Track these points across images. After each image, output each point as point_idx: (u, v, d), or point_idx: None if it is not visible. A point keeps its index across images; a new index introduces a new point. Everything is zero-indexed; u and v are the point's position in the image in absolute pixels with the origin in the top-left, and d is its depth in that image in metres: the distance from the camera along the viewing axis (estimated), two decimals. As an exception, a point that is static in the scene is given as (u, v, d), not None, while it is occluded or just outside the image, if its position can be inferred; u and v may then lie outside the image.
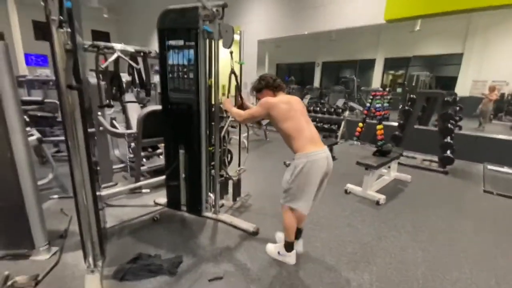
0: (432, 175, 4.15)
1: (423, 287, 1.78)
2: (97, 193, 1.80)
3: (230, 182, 2.82)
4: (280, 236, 2.15)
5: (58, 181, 3.21)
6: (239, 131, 2.95)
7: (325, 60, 14.55)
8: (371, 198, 3.11)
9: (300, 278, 1.82)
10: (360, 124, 5.97)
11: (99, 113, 2.78)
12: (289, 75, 13.55)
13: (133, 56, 2.10)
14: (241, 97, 2.41)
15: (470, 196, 3.40)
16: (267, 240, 2.21)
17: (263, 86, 1.91)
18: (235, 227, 2.38)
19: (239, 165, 2.92)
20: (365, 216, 2.75)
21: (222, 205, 2.70)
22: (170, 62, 2.24)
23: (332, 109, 6.26)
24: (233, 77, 2.34)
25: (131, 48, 2.06)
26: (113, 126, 3.40)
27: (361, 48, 12.87)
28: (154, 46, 2.37)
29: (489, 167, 4.47)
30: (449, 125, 4.19)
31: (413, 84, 8.26)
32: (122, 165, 3.70)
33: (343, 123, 5.82)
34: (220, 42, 2.14)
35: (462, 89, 9.95)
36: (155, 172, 3.33)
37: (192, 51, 2.15)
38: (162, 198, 2.78)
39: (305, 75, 15.51)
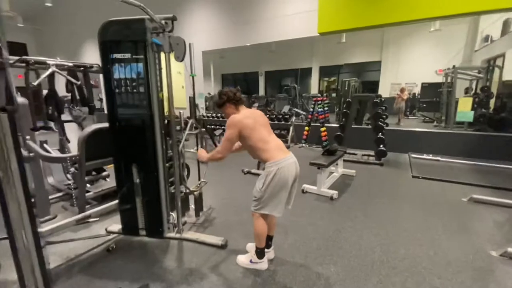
0: (371, 168, 4.71)
1: (381, 268, 2.00)
2: (38, 230, 1.55)
3: (191, 197, 2.72)
4: (250, 246, 2.16)
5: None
6: (197, 144, 2.89)
7: (267, 69, 15.28)
8: (326, 194, 3.37)
9: (276, 282, 1.86)
10: (306, 128, 6.42)
11: (28, 136, 2.40)
12: (235, 84, 13.79)
13: (72, 71, 1.89)
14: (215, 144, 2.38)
15: (402, 182, 3.96)
16: (236, 251, 2.20)
17: (225, 101, 1.89)
18: (202, 243, 2.29)
19: (199, 179, 2.85)
20: (323, 212, 2.95)
21: (185, 223, 2.58)
22: (116, 76, 2.09)
23: (280, 116, 6.59)
24: None
25: (69, 63, 1.85)
26: (44, 150, 2.96)
27: (299, 58, 13.95)
28: (83, 60, 2.20)
29: (413, 155, 5.28)
30: (379, 122, 4.83)
31: (346, 88, 9.25)
32: (59, 194, 3.23)
33: (291, 127, 6.17)
34: (172, 55, 2.09)
35: (383, 91, 11.59)
36: (102, 198, 3.00)
37: (141, 65, 2.04)
38: (115, 225, 2.52)
39: (250, 84, 15.99)
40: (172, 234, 2.37)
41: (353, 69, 13.55)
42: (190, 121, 2.59)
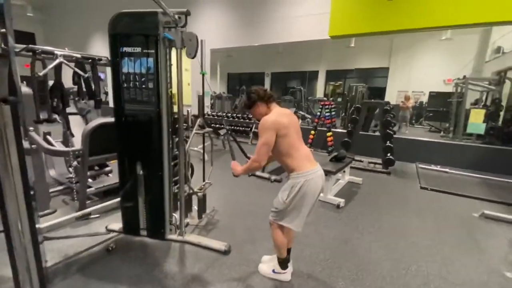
0: (378, 176, 4.60)
1: (391, 285, 1.91)
2: (36, 226, 1.48)
3: (194, 198, 2.64)
4: (266, 259, 2.06)
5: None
6: (203, 143, 2.81)
7: (273, 71, 15.19)
8: (332, 202, 3.27)
9: (280, 294, 1.77)
10: (312, 132, 6.32)
11: (31, 128, 2.33)
12: (240, 84, 13.71)
13: (79, 63, 1.81)
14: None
15: (410, 193, 3.85)
16: (240, 257, 2.11)
17: (255, 100, 1.74)
18: (204, 247, 2.21)
19: (203, 179, 2.77)
20: (329, 221, 2.86)
21: (187, 224, 2.50)
22: (124, 70, 2.01)
23: (286, 118, 6.50)
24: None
25: (77, 54, 1.78)
26: (47, 142, 2.89)
27: (306, 61, 13.84)
28: (90, 52, 2.13)
29: (420, 165, 5.17)
30: (389, 130, 4.73)
31: (353, 94, 9.15)
32: (60, 188, 3.16)
33: (297, 131, 6.08)
34: (183, 51, 2.01)
35: (390, 98, 11.45)
36: (104, 194, 2.93)
37: (151, 60, 1.97)
38: (115, 223, 2.44)
39: (255, 85, 15.85)
40: (174, 236, 2.29)
41: (359, 75, 13.43)
42: (198, 120, 2.51)
